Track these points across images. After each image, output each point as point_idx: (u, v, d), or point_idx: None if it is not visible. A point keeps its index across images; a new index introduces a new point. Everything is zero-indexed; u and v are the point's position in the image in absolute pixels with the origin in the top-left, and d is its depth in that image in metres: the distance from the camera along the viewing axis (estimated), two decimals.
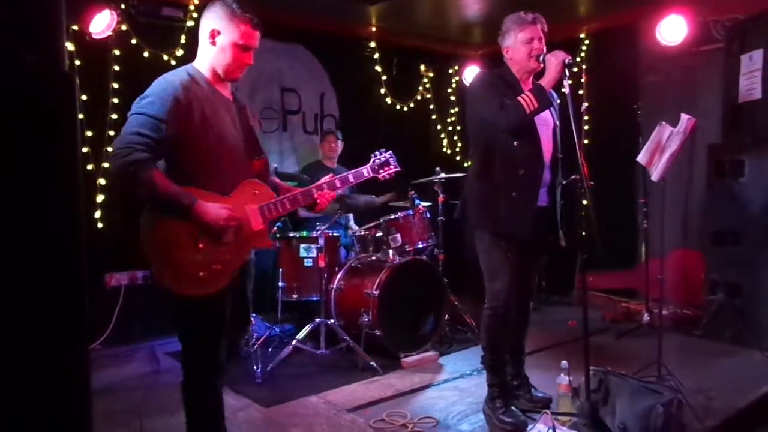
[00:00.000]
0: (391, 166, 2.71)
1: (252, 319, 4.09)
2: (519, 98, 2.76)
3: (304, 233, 4.35)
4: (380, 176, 2.68)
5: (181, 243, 2.12)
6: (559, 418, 2.83)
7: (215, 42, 2.23)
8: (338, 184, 2.53)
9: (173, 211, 2.09)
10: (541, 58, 2.84)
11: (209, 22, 2.24)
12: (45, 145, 1.13)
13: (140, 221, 2.14)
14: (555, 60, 2.74)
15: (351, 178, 2.59)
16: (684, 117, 3.36)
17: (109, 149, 4.25)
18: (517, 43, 2.91)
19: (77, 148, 1.20)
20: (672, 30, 4.72)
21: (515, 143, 2.85)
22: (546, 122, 2.95)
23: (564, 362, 2.99)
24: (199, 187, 2.16)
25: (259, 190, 2.34)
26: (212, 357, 2.29)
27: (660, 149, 3.42)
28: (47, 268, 1.16)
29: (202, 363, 2.28)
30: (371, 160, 2.69)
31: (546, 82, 2.78)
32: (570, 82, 2.78)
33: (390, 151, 2.71)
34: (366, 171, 2.66)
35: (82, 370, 1.24)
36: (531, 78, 2.97)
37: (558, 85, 2.84)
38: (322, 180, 2.52)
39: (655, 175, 3.45)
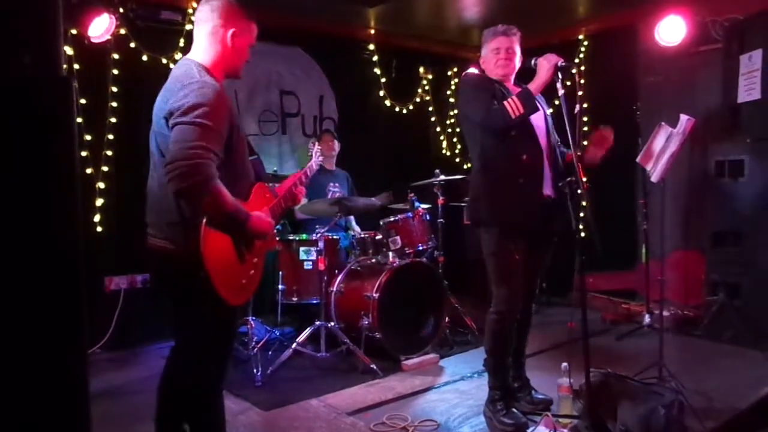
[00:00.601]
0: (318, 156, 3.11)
1: (252, 322, 4.09)
2: (505, 103, 2.78)
3: (304, 236, 4.35)
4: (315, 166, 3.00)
5: (231, 256, 2.10)
6: (560, 420, 2.83)
7: (232, 42, 2.14)
8: (304, 179, 2.70)
9: (231, 224, 2.02)
10: (534, 62, 2.86)
11: (225, 20, 2.14)
12: (42, 148, 1.13)
13: (198, 237, 1.98)
14: (547, 63, 2.75)
15: (309, 171, 2.84)
16: (683, 117, 3.36)
17: (109, 153, 4.28)
18: (487, 51, 3.01)
19: (75, 151, 1.20)
20: (671, 30, 4.72)
21: (513, 132, 2.86)
22: (538, 125, 2.96)
23: (564, 364, 2.98)
24: (232, 195, 2.07)
25: (267, 193, 2.38)
26: (228, 364, 2.34)
27: (659, 150, 3.42)
28: (45, 272, 1.16)
29: (221, 370, 2.31)
30: (314, 155, 3.08)
31: (535, 86, 2.80)
32: (568, 83, 2.78)
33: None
34: (314, 164, 2.99)
35: (80, 374, 1.24)
36: (512, 79, 3.02)
37: (553, 89, 2.83)
38: (294, 176, 2.68)
39: (654, 176, 3.45)
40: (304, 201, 4.50)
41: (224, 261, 2.06)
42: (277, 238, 4.37)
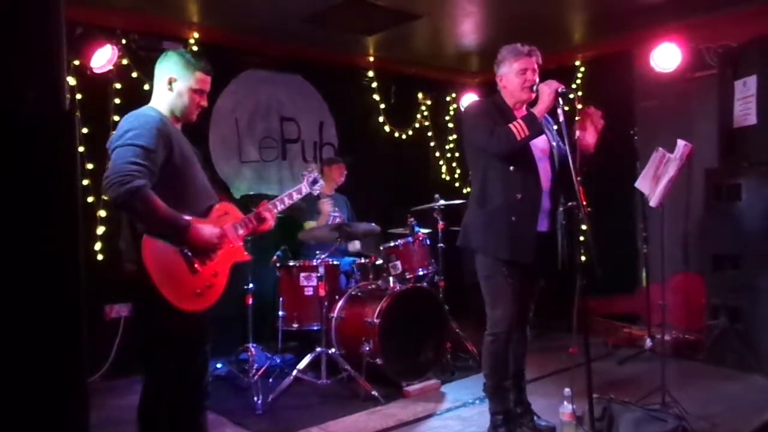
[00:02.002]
0: (319, 183, 3.11)
1: (252, 349, 4.07)
2: (510, 126, 2.80)
3: (304, 262, 4.35)
4: (313, 191, 3.06)
5: (178, 265, 2.26)
6: None
7: (172, 88, 2.42)
8: (287, 201, 2.84)
9: (170, 233, 2.23)
10: (534, 87, 2.90)
11: (164, 71, 2.44)
12: (45, 183, 1.15)
13: (139, 251, 2.22)
14: (548, 89, 2.79)
15: (295, 195, 2.92)
16: (680, 143, 3.39)
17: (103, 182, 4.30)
18: (511, 73, 2.98)
19: (77, 184, 1.22)
20: (666, 57, 4.79)
21: (511, 168, 2.88)
22: (542, 149, 2.98)
23: (567, 390, 2.96)
24: (184, 211, 2.30)
25: (230, 211, 2.57)
26: (202, 373, 2.44)
27: (657, 175, 3.44)
28: (45, 302, 1.17)
29: (194, 379, 2.40)
30: (303, 179, 3.04)
31: (538, 110, 2.83)
32: (567, 108, 2.81)
33: (316, 170, 3.14)
34: (304, 188, 3.00)
35: (80, 405, 1.24)
36: (524, 107, 3.01)
37: (554, 114, 2.87)
38: (276, 200, 2.80)
39: (653, 201, 3.47)
40: (311, 224, 4.54)
41: (169, 269, 2.24)
42: (278, 264, 4.38)
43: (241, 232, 2.55)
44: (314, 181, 3.08)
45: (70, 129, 1.19)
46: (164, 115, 2.42)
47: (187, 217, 2.28)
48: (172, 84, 2.42)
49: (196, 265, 2.30)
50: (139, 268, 2.20)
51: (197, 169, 2.48)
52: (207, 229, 2.31)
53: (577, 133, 2.87)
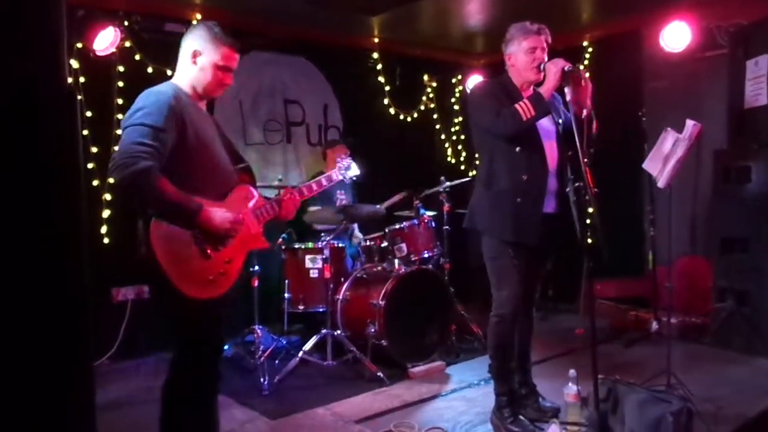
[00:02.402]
0: (353, 171, 3.07)
1: (258, 330, 4.09)
2: (516, 106, 2.77)
3: (310, 244, 4.36)
4: (347, 180, 3.06)
5: (191, 251, 2.18)
6: (568, 427, 2.82)
7: (196, 62, 2.32)
8: (315, 188, 2.77)
9: (180, 217, 2.14)
10: (541, 67, 2.85)
11: (191, 42, 2.34)
12: (47, 161, 1.13)
13: (148, 234, 2.15)
14: (554, 68, 2.75)
15: (325, 181, 2.83)
16: (689, 123, 3.35)
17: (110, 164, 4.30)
18: (520, 51, 2.93)
19: (79, 163, 1.20)
20: (676, 36, 4.72)
21: (517, 149, 2.86)
22: (548, 130, 2.95)
23: (572, 371, 2.97)
24: (197, 194, 2.21)
25: (250, 194, 2.47)
26: (214, 358, 2.36)
27: (665, 156, 3.40)
28: (50, 284, 1.16)
29: (204, 364, 2.33)
30: (337, 167, 3.02)
31: (545, 89, 2.79)
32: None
33: (351, 157, 3.10)
34: (335, 175, 2.96)
35: (86, 387, 1.24)
36: (531, 87, 2.97)
37: (560, 93, 2.84)
38: (303, 186, 2.73)
39: (661, 182, 3.43)
40: (315, 209, 4.51)
41: (180, 254, 2.15)
42: (283, 247, 4.38)
43: (260, 217, 2.45)
44: (347, 168, 3.00)
45: (71, 106, 1.18)
46: (184, 91, 2.32)
47: (199, 200, 2.18)
48: (196, 58, 2.32)
49: (208, 251, 2.21)
50: (148, 253, 2.13)
51: (215, 149, 2.36)
52: (219, 214, 2.20)
53: (569, 96, 2.77)
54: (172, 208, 2.12)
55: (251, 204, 2.45)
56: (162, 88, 2.27)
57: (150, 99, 2.18)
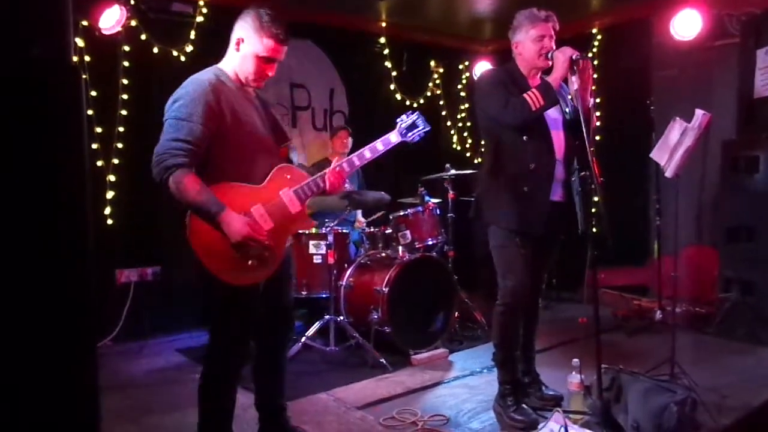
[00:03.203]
0: (420, 128, 2.58)
1: None
2: (525, 95, 2.73)
3: (313, 230, 4.34)
4: (409, 139, 2.57)
5: (227, 241, 2.18)
6: (571, 416, 2.80)
7: (239, 49, 2.32)
8: (368, 155, 2.53)
9: (201, 214, 2.16)
10: (549, 55, 2.81)
11: (238, 29, 2.32)
12: (51, 137, 1.12)
13: (186, 218, 2.20)
14: (562, 56, 2.71)
15: (380, 146, 2.53)
16: (698, 112, 3.31)
17: (119, 146, 4.30)
18: (528, 39, 2.89)
19: (83, 140, 1.19)
20: (686, 24, 4.67)
21: (524, 138, 2.83)
22: (555, 119, 2.92)
23: (575, 360, 2.96)
24: (234, 179, 2.26)
25: (291, 174, 2.42)
26: (244, 346, 2.39)
27: (674, 145, 3.37)
28: (53, 264, 1.15)
29: (235, 353, 2.36)
30: (397, 125, 2.58)
31: (553, 78, 2.75)
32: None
33: (417, 112, 2.59)
34: (394, 136, 2.56)
35: (89, 367, 1.23)
36: (539, 74, 2.94)
37: (568, 82, 2.81)
38: (353, 155, 2.54)
39: (668, 172, 3.40)
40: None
41: (215, 243, 2.17)
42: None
43: (302, 197, 2.37)
44: (412, 126, 2.54)
45: (76, 83, 1.16)
46: (228, 76, 2.33)
47: (223, 204, 2.14)
48: (239, 45, 2.31)
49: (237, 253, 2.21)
50: (187, 242, 2.19)
51: (257, 132, 2.35)
52: (236, 222, 2.14)
53: (575, 84, 2.70)
54: (194, 207, 2.15)
55: (292, 183, 2.39)
56: (202, 75, 2.27)
57: (187, 89, 2.21)
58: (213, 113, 2.19)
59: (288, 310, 2.63)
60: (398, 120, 2.59)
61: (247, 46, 2.30)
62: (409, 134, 2.57)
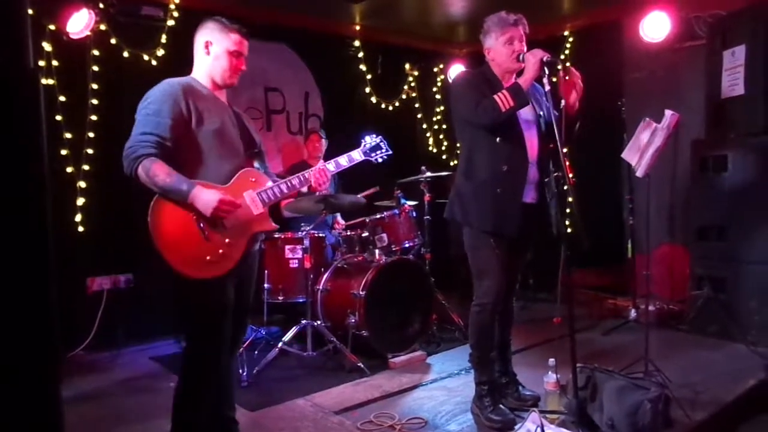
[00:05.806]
0: (383, 150, 2.95)
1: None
2: (495, 96, 2.76)
3: (290, 234, 4.31)
4: (372, 159, 2.89)
5: (189, 231, 2.28)
6: (548, 415, 2.82)
7: (209, 52, 2.44)
8: (332, 168, 2.74)
9: (173, 196, 2.24)
10: (521, 57, 2.84)
11: (202, 36, 2.47)
12: (5, 141, 1.08)
13: (148, 214, 2.25)
14: (533, 58, 2.74)
15: (344, 161, 2.78)
16: (668, 113, 3.37)
17: (90, 151, 4.22)
18: (498, 44, 2.92)
19: (42, 144, 1.15)
20: (655, 27, 4.75)
21: (497, 140, 2.85)
22: (529, 121, 2.94)
23: (551, 360, 2.98)
24: (200, 179, 2.33)
25: (256, 178, 2.51)
26: (217, 336, 2.39)
27: (644, 145, 3.42)
28: (8, 272, 1.11)
29: (207, 341, 2.38)
30: (362, 145, 2.89)
31: (524, 80, 2.78)
32: (554, 79, 2.76)
33: (380, 136, 2.92)
34: (358, 154, 2.86)
35: (51, 379, 1.19)
36: (513, 77, 2.96)
37: (540, 83, 2.83)
38: (317, 165, 2.72)
39: (639, 172, 3.45)
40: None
41: (179, 233, 2.27)
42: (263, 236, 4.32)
43: (266, 199, 2.49)
44: (374, 148, 2.88)
45: (33, 87, 1.12)
46: (200, 83, 2.45)
47: (194, 182, 2.26)
48: (209, 48, 2.44)
49: (205, 231, 2.30)
50: (148, 231, 2.23)
51: (225, 135, 2.43)
52: (207, 194, 2.25)
53: (562, 100, 2.78)
54: (166, 189, 2.22)
55: (256, 187, 2.49)
56: (173, 79, 2.39)
57: (159, 89, 2.33)
58: (182, 111, 2.30)
59: (243, 312, 2.64)
60: (363, 140, 2.90)
61: (216, 46, 2.44)
62: (373, 154, 2.90)
